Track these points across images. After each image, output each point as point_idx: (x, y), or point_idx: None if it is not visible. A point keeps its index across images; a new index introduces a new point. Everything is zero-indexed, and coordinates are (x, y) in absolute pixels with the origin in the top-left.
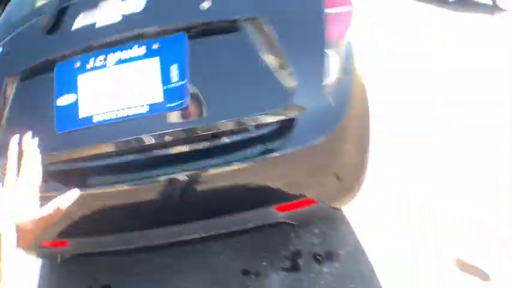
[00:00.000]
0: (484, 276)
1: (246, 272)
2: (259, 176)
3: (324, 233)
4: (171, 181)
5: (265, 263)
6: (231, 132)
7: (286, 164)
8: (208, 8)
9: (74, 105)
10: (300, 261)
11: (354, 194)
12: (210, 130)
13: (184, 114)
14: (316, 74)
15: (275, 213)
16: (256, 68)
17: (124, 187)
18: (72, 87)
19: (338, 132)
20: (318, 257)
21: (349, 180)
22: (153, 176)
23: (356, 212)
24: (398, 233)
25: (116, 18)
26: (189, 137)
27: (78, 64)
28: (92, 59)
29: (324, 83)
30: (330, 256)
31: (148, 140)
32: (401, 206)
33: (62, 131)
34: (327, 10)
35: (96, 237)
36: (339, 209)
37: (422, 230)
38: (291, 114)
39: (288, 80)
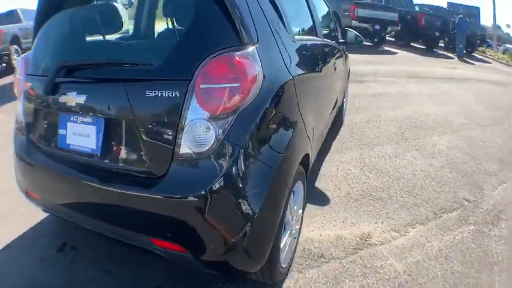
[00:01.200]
0: None
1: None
2: (139, 206)
3: None
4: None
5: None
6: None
7: (155, 206)
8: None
9: (65, 136)
10: None
11: (246, 256)
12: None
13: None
14: (167, 147)
15: (150, 243)
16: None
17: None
18: (65, 127)
19: (206, 193)
20: None
21: (230, 241)
22: (81, 180)
23: None
24: None
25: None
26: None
27: (67, 117)
28: (72, 116)
29: (179, 152)
30: None
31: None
32: None
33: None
34: (201, 85)
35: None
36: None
37: None
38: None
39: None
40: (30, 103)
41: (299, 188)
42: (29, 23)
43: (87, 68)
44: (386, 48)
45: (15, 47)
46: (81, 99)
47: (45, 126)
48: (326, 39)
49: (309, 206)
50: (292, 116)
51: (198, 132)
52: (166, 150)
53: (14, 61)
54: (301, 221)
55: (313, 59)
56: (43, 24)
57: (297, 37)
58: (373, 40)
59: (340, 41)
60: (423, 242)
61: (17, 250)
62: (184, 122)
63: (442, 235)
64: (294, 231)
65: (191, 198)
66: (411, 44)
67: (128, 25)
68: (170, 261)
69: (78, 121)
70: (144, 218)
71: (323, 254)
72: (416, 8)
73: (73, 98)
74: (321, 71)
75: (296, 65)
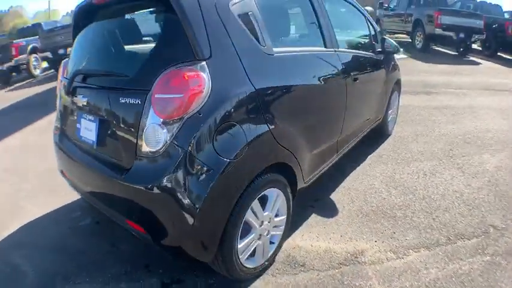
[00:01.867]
0: None
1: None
2: (117, 191)
3: None
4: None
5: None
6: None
7: (126, 192)
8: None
9: (79, 129)
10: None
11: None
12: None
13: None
14: (132, 145)
15: (125, 223)
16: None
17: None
18: (80, 122)
19: (156, 186)
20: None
21: (177, 230)
22: (85, 164)
23: None
24: None
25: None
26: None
27: (81, 114)
28: (83, 114)
29: (140, 150)
30: None
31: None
32: None
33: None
34: (156, 95)
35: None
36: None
37: None
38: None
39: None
40: (62, 101)
41: (273, 195)
42: None
43: (91, 76)
44: (471, 58)
45: (35, 56)
46: (86, 101)
47: (70, 120)
48: (343, 49)
49: (313, 216)
50: (252, 125)
51: (153, 135)
52: (132, 148)
53: (32, 69)
54: (284, 228)
55: (301, 71)
56: (75, 37)
57: (278, 49)
58: (459, 49)
59: (378, 50)
60: (420, 268)
61: (51, 219)
62: (145, 126)
63: (446, 263)
64: (268, 236)
65: (146, 189)
66: (498, 54)
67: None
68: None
69: (87, 118)
70: (120, 201)
71: (305, 263)
72: (506, 16)
73: (82, 100)
74: (313, 83)
75: (265, 76)
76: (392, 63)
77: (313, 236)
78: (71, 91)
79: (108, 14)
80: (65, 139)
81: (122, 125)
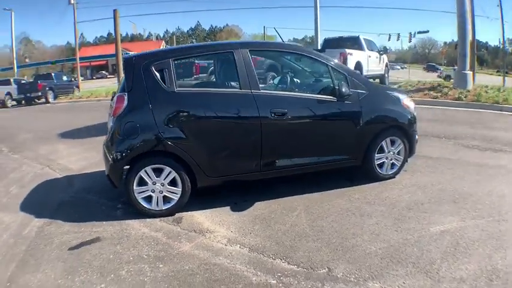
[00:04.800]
0: None
1: None
2: None
3: None
4: None
5: None
6: None
7: None
8: None
9: None
10: None
11: None
12: None
13: None
14: None
15: None
16: None
17: None
18: None
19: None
20: None
21: None
22: None
23: None
24: None
25: None
26: None
27: None
28: None
29: None
30: None
31: None
32: None
33: None
34: (112, 104)
35: None
36: None
37: None
38: None
39: None
40: None
41: (166, 171)
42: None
43: None
44: None
45: (9, 97)
46: None
47: None
48: (266, 91)
49: (229, 208)
50: (145, 123)
51: (108, 124)
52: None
53: (50, 98)
54: (180, 196)
55: (197, 102)
56: None
57: (182, 88)
58: None
59: (344, 94)
60: None
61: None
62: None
63: None
64: (161, 194)
65: None
66: None
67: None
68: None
69: None
70: None
71: (183, 221)
72: None
73: None
74: (211, 110)
75: (162, 102)
76: (381, 107)
77: (209, 216)
78: None
79: None
80: None
81: None
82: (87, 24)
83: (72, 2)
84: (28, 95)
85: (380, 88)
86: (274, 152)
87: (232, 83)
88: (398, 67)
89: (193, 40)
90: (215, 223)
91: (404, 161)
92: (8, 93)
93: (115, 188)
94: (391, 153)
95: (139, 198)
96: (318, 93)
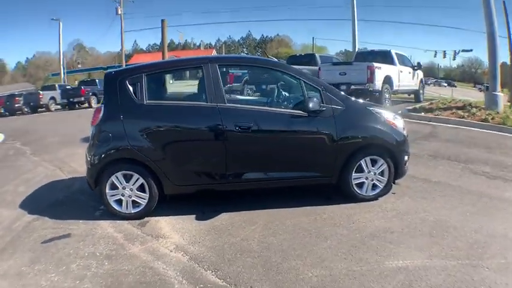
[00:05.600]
0: None
1: None
2: None
3: None
4: None
5: None
6: None
7: None
8: None
9: None
10: None
11: None
12: None
13: None
14: None
15: None
16: None
17: None
18: None
19: None
20: None
21: None
22: None
23: None
24: None
25: None
26: None
27: None
28: None
29: None
30: None
31: None
32: None
33: None
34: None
35: None
36: None
37: None
38: None
39: None
40: None
41: (135, 177)
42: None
43: None
44: None
45: (52, 102)
46: None
47: None
48: (231, 105)
49: (195, 217)
50: (117, 133)
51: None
52: None
53: (93, 104)
54: (147, 201)
55: (165, 113)
56: None
57: (152, 101)
58: None
59: (312, 110)
60: None
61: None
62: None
63: None
64: (130, 198)
65: None
66: None
67: None
68: None
69: None
70: None
71: (148, 224)
72: None
73: None
74: (176, 121)
75: (132, 113)
76: (359, 124)
77: (173, 222)
78: None
79: None
80: None
81: None
82: (141, 33)
83: (119, 12)
84: (71, 100)
85: (360, 104)
86: (240, 165)
87: (201, 96)
88: (445, 84)
89: (244, 49)
90: (174, 230)
91: (389, 182)
92: (52, 98)
93: (92, 190)
94: (372, 173)
95: (111, 201)
96: (291, 108)
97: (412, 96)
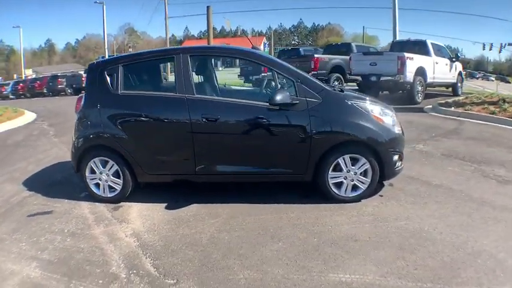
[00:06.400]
0: None
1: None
2: None
3: None
4: None
5: None
6: None
7: None
8: None
9: None
10: None
11: None
12: None
13: None
14: None
15: None
16: None
17: None
18: None
19: None
20: None
21: None
22: None
23: None
24: None
25: None
26: None
27: None
28: None
29: None
30: None
31: None
32: None
33: None
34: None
35: None
36: None
37: None
38: None
39: None
40: None
41: (110, 163)
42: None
43: None
44: None
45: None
46: None
47: None
48: (200, 96)
49: (168, 207)
50: (93, 121)
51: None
52: None
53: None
54: (122, 187)
55: (139, 103)
56: None
57: (126, 91)
58: None
59: (283, 102)
60: None
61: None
62: None
63: None
64: (108, 183)
65: None
66: None
67: None
68: None
69: None
70: None
71: (122, 206)
72: None
73: None
74: (147, 110)
75: (108, 102)
76: (337, 119)
77: (143, 209)
78: None
79: None
80: None
81: None
82: (192, 19)
83: None
84: None
85: (339, 97)
86: (209, 158)
87: (174, 87)
88: (493, 78)
89: (295, 37)
90: (140, 216)
91: (373, 184)
92: None
93: (76, 173)
94: (352, 173)
95: (90, 184)
96: (263, 101)
97: (450, 89)
